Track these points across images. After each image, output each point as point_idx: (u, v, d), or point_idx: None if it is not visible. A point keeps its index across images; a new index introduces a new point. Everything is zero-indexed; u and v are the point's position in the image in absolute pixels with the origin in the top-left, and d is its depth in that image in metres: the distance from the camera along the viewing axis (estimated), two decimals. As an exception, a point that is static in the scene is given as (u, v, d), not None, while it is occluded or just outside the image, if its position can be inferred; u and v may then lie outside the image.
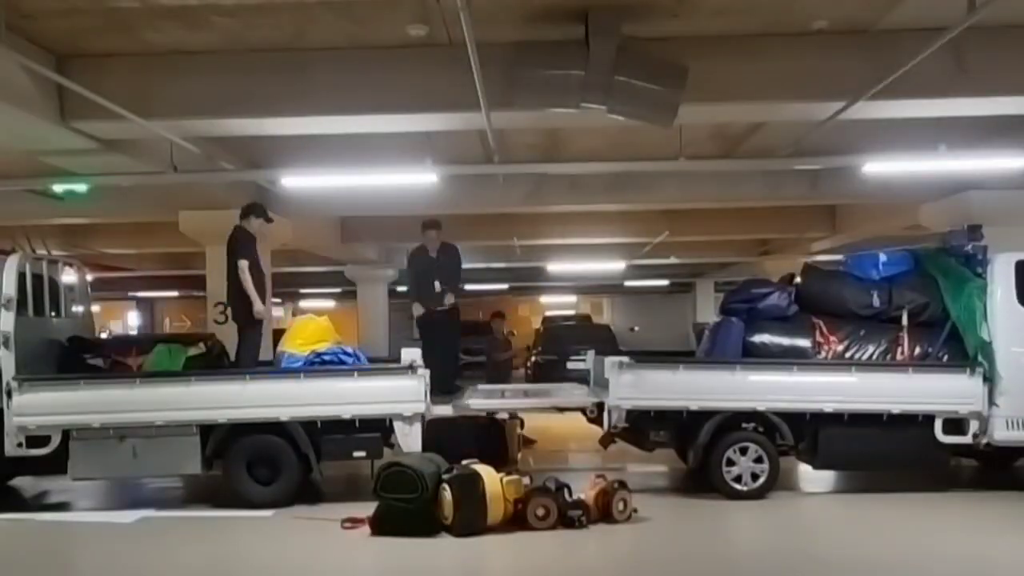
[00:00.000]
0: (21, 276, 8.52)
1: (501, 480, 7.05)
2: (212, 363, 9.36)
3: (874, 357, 8.64)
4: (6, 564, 6.75)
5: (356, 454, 8.27)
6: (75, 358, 8.93)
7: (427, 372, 8.27)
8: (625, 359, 8.48)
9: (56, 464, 8.21)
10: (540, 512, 7.00)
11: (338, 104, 7.77)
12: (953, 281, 8.65)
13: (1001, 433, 8.24)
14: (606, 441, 9.24)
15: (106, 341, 10.80)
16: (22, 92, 7.09)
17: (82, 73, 7.38)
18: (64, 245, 15.36)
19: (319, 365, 8.53)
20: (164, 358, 8.97)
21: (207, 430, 8.14)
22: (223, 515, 8.09)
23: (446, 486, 6.93)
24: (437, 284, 10.13)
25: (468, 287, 28.38)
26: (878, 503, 8.25)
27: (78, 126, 7.83)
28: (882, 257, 9.05)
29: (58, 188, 10.81)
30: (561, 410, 9.46)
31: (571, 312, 32.72)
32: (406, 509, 6.92)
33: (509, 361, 14.14)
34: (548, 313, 31.52)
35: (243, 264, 8.86)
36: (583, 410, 8.94)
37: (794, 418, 8.34)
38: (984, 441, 8.30)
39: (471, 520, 6.87)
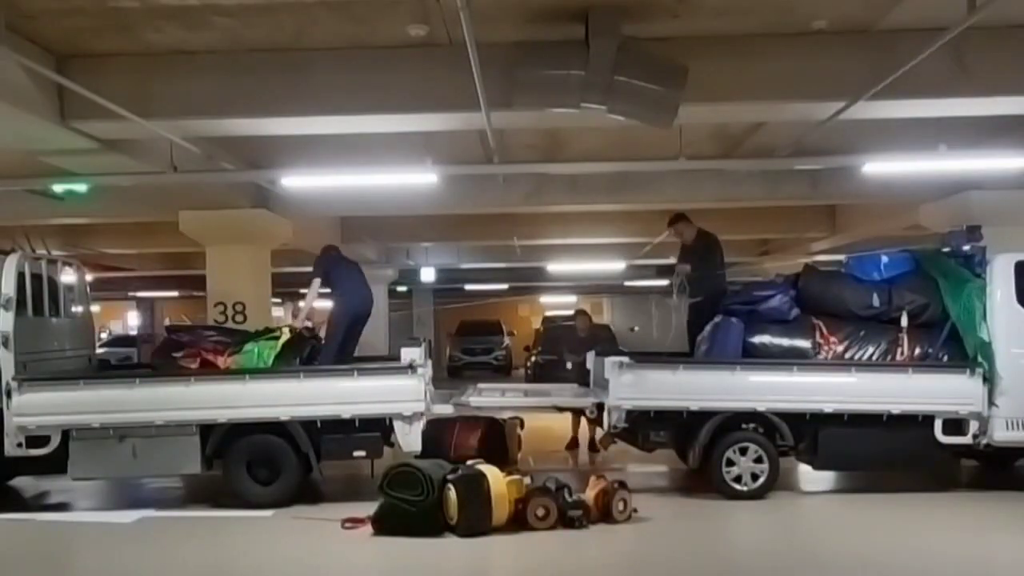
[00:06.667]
0: (21, 276, 8.51)
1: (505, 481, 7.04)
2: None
3: (874, 358, 8.62)
4: (6, 564, 6.75)
5: (356, 454, 8.27)
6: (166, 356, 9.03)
7: (428, 371, 8.24)
8: (625, 359, 8.48)
9: (56, 464, 8.21)
10: (540, 512, 6.99)
11: (338, 104, 7.74)
12: (953, 282, 8.64)
13: (1001, 434, 8.24)
14: (606, 441, 9.25)
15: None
16: (22, 92, 7.07)
17: (82, 73, 7.36)
18: (64, 245, 15.35)
19: None
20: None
21: (207, 430, 8.14)
22: (223, 515, 8.09)
23: (451, 486, 6.92)
24: None
25: (468, 287, 28.54)
26: (878, 503, 8.25)
27: (78, 126, 7.81)
28: (884, 259, 9.04)
29: (58, 188, 10.78)
30: (561, 410, 9.44)
31: (571, 312, 32.57)
32: (409, 510, 6.91)
33: None
34: (548, 313, 31.48)
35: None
36: (583, 410, 8.94)
37: (794, 418, 8.34)
38: (984, 442, 8.29)
39: (476, 520, 6.86)
